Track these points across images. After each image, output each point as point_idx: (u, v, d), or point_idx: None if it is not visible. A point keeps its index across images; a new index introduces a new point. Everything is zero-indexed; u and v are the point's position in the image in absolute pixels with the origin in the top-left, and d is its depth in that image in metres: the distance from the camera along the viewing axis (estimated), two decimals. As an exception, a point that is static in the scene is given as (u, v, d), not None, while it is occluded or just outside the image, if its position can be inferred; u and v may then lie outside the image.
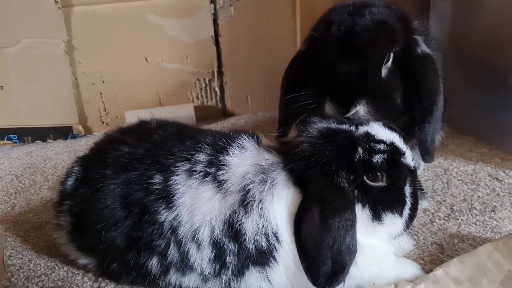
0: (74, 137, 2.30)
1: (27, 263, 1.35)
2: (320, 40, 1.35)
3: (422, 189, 1.54)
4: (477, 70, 1.94)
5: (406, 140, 1.16)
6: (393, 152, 1.09)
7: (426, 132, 1.31)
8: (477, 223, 1.42)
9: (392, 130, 1.14)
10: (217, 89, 2.42)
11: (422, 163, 1.70)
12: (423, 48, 1.35)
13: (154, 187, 1.11)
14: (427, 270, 1.21)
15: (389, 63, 1.30)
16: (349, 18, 1.30)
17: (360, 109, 1.23)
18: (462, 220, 1.44)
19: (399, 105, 1.31)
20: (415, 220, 1.18)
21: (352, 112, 1.23)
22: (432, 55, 1.36)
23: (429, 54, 1.35)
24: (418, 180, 1.42)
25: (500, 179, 1.66)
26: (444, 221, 1.44)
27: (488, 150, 1.88)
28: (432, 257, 1.29)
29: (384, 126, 1.14)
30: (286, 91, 1.47)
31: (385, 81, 1.29)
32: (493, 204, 1.51)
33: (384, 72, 1.29)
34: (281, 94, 1.50)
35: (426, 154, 1.35)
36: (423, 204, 1.50)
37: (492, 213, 1.46)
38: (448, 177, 1.70)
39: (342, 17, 1.31)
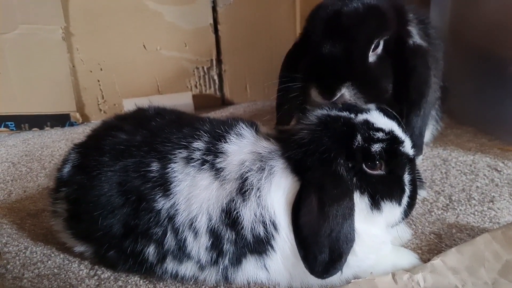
0: (71, 124, 2.29)
1: (23, 251, 1.35)
2: (309, 24, 1.33)
3: (421, 179, 1.53)
4: (477, 61, 1.93)
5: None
6: (392, 140, 1.08)
7: (413, 124, 1.29)
8: (476, 213, 1.42)
9: (386, 113, 1.13)
10: (215, 77, 2.40)
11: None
12: (416, 39, 1.33)
13: (151, 174, 1.11)
14: (425, 260, 1.20)
15: (379, 50, 1.27)
16: (338, 2, 1.28)
17: (345, 92, 1.20)
18: (460, 210, 1.43)
19: (388, 92, 1.29)
20: (414, 209, 1.17)
21: (337, 96, 1.20)
22: (424, 47, 1.34)
23: (421, 46, 1.33)
24: (417, 170, 1.42)
25: (499, 169, 1.66)
26: (442, 211, 1.44)
27: (487, 140, 1.88)
28: (430, 247, 1.29)
29: (379, 109, 1.13)
30: (282, 81, 1.46)
31: (373, 67, 1.26)
32: (492, 194, 1.51)
33: (373, 58, 1.26)
34: (278, 84, 1.50)
35: (413, 147, 1.33)
36: (421, 194, 1.50)
37: (491, 203, 1.46)
38: (447, 167, 1.69)
39: (332, 1, 1.30)
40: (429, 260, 1.14)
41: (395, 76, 1.30)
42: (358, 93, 1.21)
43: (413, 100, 1.29)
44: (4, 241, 1.39)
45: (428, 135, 1.67)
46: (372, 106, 1.22)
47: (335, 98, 1.20)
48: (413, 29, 1.35)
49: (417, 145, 1.32)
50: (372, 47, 1.25)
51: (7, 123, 2.22)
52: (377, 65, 1.26)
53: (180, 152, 1.12)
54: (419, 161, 1.70)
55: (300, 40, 1.45)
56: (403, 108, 1.32)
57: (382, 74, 1.28)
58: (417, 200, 1.40)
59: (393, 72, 1.29)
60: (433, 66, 1.37)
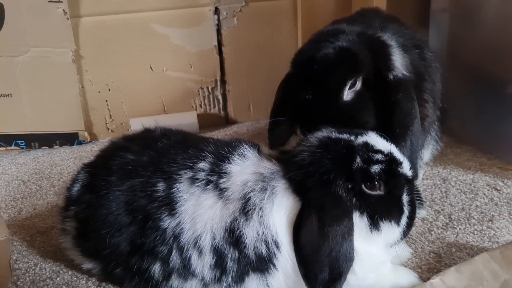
0: (80, 143, 2.33)
1: (33, 267, 1.38)
2: (291, 69, 1.42)
3: (421, 198, 1.56)
4: (476, 81, 1.96)
5: None
6: (391, 161, 1.11)
7: None
8: (475, 232, 1.44)
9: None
10: (220, 97, 2.45)
11: (421, 173, 1.73)
12: (397, 72, 1.35)
13: (157, 194, 1.14)
14: (424, 279, 1.22)
15: (358, 87, 1.32)
16: (313, 46, 1.34)
17: None
18: (460, 229, 1.46)
19: (368, 125, 1.32)
20: (413, 229, 1.20)
21: None
22: (406, 80, 1.36)
23: (402, 79, 1.35)
24: (417, 190, 1.45)
25: (498, 188, 1.68)
26: (442, 230, 1.46)
27: (487, 159, 1.90)
28: (429, 266, 1.31)
29: None
30: (273, 112, 1.56)
31: (350, 105, 1.31)
32: (491, 213, 1.53)
33: (350, 95, 1.31)
34: (270, 112, 1.58)
35: None
36: (421, 213, 1.52)
37: (490, 222, 1.48)
38: (447, 186, 1.72)
39: (308, 46, 1.37)
40: (428, 279, 1.16)
41: (379, 110, 1.34)
42: None
43: (397, 133, 1.32)
44: (14, 257, 1.42)
45: (427, 155, 1.70)
46: None
47: None
48: (396, 60, 1.38)
49: None
50: (347, 87, 1.30)
51: (17, 141, 2.27)
52: (354, 101, 1.32)
53: (185, 173, 1.15)
54: (419, 180, 1.72)
55: (291, 72, 1.49)
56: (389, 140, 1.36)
57: (361, 110, 1.33)
58: (416, 220, 1.44)
59: (375, 106, 1.33)
60: (428, 79, 1.41)
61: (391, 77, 1.34)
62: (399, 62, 1.39)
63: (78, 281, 1.31)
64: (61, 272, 1.35)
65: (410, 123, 1.33)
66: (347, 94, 1.31)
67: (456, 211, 1.55)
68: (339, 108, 1.30)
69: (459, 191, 1.68)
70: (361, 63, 1.32)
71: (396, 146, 1.30)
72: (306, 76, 1.32)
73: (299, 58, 1.37)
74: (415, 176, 1.36)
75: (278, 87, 1.57)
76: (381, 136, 1.16)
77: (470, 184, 1.72)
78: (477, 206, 1.58)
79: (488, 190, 1.68)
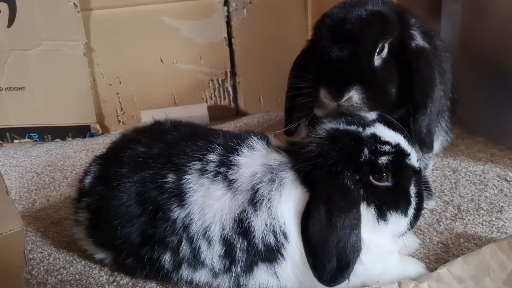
0: (92, 135, 2.37)
1: (47, 257, 1.41)
2: (316, 31, 1.39)
3: (430, 189, 1.56)
4: (488, 71, 1.94)
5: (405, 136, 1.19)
6: (398, 153, 1.12)
7: (420, 123, 1.33)
8: (484, 223, 1.44)
9: (388, 123, 1.17)
10: (230, 89, 2.46)
11: (431, 164, 1.73)
12: (418, 41, 1.37)
13: (167, 185, 1.16)
14: (432, 269, 1.23)
15: (384, 54, 1.32)
16: (343, 9, 1.34)
17: (354, 95, 1.24)
18: (468, 220, 1.46)
19: (394, 96, 1.33)
20: (421, 219, 1.20)
21: (346, 97, 1.24)
22: (426, 49, 1.38)
23: (424, 47, 1.37)
24: (426, 180, 1.45)
25: (508, 179, 1.67)
26: (450, 221, 1.46)
27: (498, 150, 1.89)
28: (437, 256, 1.31)
29: (381, 118, 1.18)
30: (290, 88, 1.53)
31: (380, 70, 1.31)
32: (501, 204, 1.53)
33: (378, 61, 1.31)
34: (287, 90, 1.56)
35: (422, 145, 1.35)
36: (430, 204, 1.52)
37: (499, 213, 1.48)
38: (457, 177, 1.71)
39: (337, 10, 1.36)
40: (436, 269, 1.17)
41: (400, 78, 1.34)
42: (365, 98, 1.26)
43: (418, 100, 1.33)
44: (29, 248, 1.46)
45: (438, 146, 1.69)
46: (374, 115, 1.27)
47: (343, 100, 1.25)
48: (415, 32, 1.40)
49: (426, 143, 1.35)
50: (377, 50, 1.30)
51: (31, 134, 2.32)
52: (383, 68, 1.31)
53: (194, 164, 1.17)
54: (428, 171, 1.72)
55: (307, 47, 1.52)
56: (409, 109, 1.36)
57: (388, 78, 1.32)
58: (425, 210, 1.44)
59: (398, 74, 1.34)
60: (437, 67, 1.40)
61: (413, 45, 1.35)
62: (417, 34, 1.40)
63: (91, 270, 1.34)
64: (74, 262, 1.38)
65: (430, 91, 1.33)
66: (376, 60, 1.31)
67: (465, 202, 1.55)
68: (371, 69, 1.30)
69: (469, 182, 1.68)
70: (392, 25, 1.33)
71: (416, 113, 1.32)
72: (337, 35, 1.30)
73: (329, 19, 1.34)
74: (430, 147, 1.36)
75: (293, 64, 1.56)
76: (389, 126, 1.16)
77: (480, 175, 1.72)
78: (486, 197, 1.58)
79: (498, 181, 1.67)
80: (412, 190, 1.15)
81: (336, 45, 1.29)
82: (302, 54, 1.55)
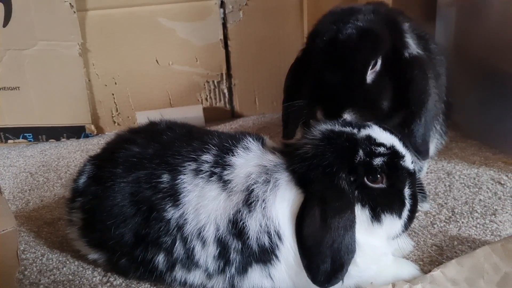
0: (86, 136, 2.36)
1: (40, 257, 1.40)
2: (309, 50, 1.41)
3: (424, 192, 1.56)
4: (482, 75, 1.96)
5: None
6: (393, 155, 1.12)
7: (415, 133, 1.35)
8: (478, 226, 1.44)
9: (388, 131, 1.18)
10: (225, 91, 2.47)
11: (425, 166, 1.73)
12: (412, 50, 1.37)
13: (162, 185, 1.16)
14: (426, 271, 1.23)
15: (378, 67, 1.33)
16: (333, 27, 1.34)
17: (347, 117, 1.28)
18: (462, 222, 1.46)
19: (386, 110, 1.35)
20: (416, 222, 1.20)
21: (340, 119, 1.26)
22: (420, 57, 1.38)
23: (417, 56, 1.37)
24: (421, 183, 1.46)
25: (502, 182, 1.68)
26: (444, 223, 1.47)
27: (491, 154, 1.90)
28: (431, 259, 1.31)
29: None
30: (286, 97, 1.54)
31: (372, 87, 1.32)
32: (494, 207, 1.53)
33: (371, 77, 1.32)
34: (283, 99, 1.57)
35: (418, 153, 1.38)
36: (424, 206, 1.53)
37: (493, 216, 1.48)
38: (451, 180, 1.72)
39: (327, 27, 1.36)
40: (430, 271, 1.16)
41: (394, 88, 1.35)
42: (358, 116, 1.30)
43: (412, 110, 1.34)
44: (22, 248, 1.45)
45: (432, 149, 1.70)
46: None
47: None
48: (409, 40, 1.40)
49: (422, 152, 1.38)
50: (369, 68, 1.31)
51: (25, 134, 2.31)
52: (375, 83, 1.32)
53: (189, 165, 1.17)
54: (423, 174, 1.73)
55: (301, 56, 1.51)
56: (404, 117, 1.37)
57: (381, 91, 1.34)
58: (420, 213, 1.45)
59: (392, 84, 1.35)
60: (432, 74, 1.41)
61: (407, 54, 1.36)
62: (411, 41, 1.40)
63: (84, 271, 1.33)
64: (68, 262, 1.38)
65: (425, 100, 1.34)
66: (369, 75, 1.32)
67: (460, 205, 1.56)
68: (363, 90, 1.31)
69: (463, 185, 1.68)
70: (383, 43, 1.34)
71: (411, 124, 1.34)
72: (329, 58, 1.32)
73: (319, 40, 1.35)
74: (425, 155, 1.39)
75: (287, 73, 1.57)
76: (384, 128, 1.17)
77: (474, 178, 1.72)
78: (480, 200, 1.58)
79: (492, 184, 1.68)
80: (407, 192, 1.15)
81: (328, 68, 1.31)
82: (297, 63, 1.55)
